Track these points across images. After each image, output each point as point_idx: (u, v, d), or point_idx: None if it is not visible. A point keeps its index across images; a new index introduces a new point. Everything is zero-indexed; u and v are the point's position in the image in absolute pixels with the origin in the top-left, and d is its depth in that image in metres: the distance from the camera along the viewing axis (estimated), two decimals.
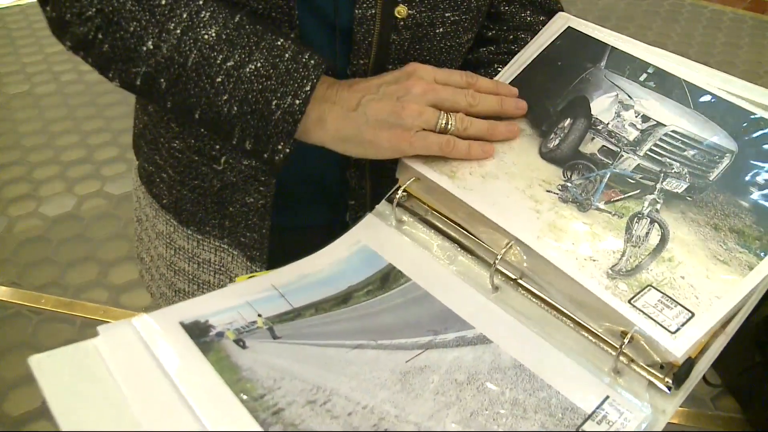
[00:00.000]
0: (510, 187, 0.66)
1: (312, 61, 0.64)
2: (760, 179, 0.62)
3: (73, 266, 2.33)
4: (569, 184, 0.66)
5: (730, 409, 1.84)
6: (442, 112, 0.67)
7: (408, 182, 0.69)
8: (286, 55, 0.64)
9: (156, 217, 0.88)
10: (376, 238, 0.70)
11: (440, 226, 0.68)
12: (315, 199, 0.84)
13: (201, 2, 0.64)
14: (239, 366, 0.55)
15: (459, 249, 0.66)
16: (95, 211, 2.58)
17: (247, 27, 0.64)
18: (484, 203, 0.65)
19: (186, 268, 0.88)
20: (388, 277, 0.65)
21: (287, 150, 0.65)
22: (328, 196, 0.84)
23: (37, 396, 1.79)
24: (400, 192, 0.69)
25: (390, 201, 0.70)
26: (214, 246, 0.84)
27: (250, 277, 0.66)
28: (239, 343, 0.57)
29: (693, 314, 0.54)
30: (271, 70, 0.63)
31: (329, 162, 0.77)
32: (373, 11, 0.68)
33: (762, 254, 0.57)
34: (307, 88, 0.63)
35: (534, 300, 0.61)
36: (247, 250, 0.81)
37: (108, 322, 0.57)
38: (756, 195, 0.61)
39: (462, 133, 0.69)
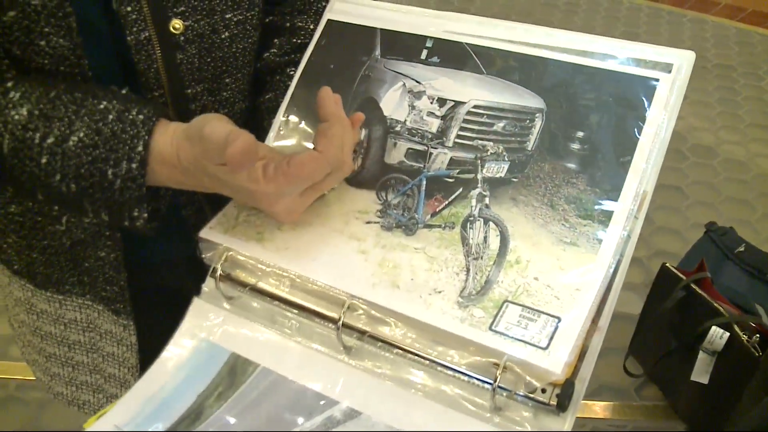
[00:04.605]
0: (326, 232, 0.57)
1: (141, 117, 0.57)
2: (578, 132, 0.55)
3: None
4: (388, 208, 0.57)
5: (654, 397, 1.84)
6: None
7: (223, 256, 0.60)
8: (110, 117, 0.57)
9: (10, 284, 0.81)
10: (210, 326, 0.60)
11: (274, 292, 0.58)
12: (169, 234, 0.74)
13: (9, 84, 0.58)
14: None
15: (301, 313, 0.57)
16: None
17: (64, 97, 0.58)
18: (306, 262, 0.56)
19: (53, 331, 0.81)
20: (235, 370, 0.57)
21: (145, 215, 0.59)
22: (181, 230, 0.76)
23: None
24: (219, 269, 0.59)
25: (214, 278, 0.60)
26: (78, 303, 0.78)
27: (99, 417, 0.57)
28: None
29: (559, 319, 0.48)
30: (96, 138, 0.57)
31: (173, 200, 0.71)
32: (147, 33, 0.62)
33: (606, 220, 0.51)
34: (140, 149, 0.56)
35: (395, 350, 0.53)
36: (110, 303, 0.76)
37: None
38: (579, 150, 0.54)
39: None
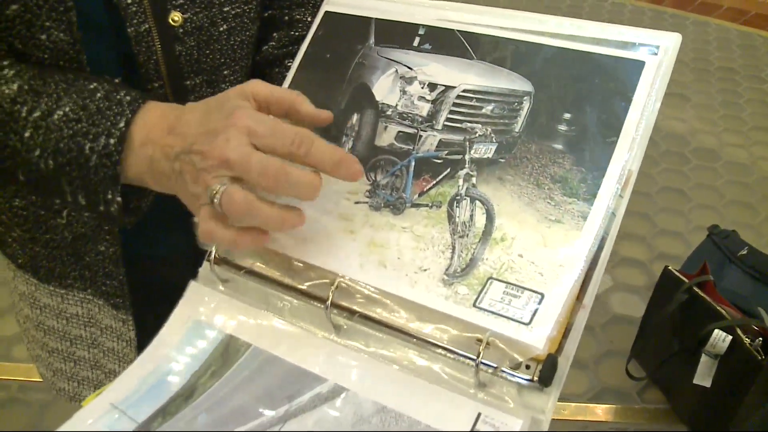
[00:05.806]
0: (316, 214, 0.58)
1: (128, 97, 0.57)
2: (564, 114, 0.55)
3: None
4: (376, 188, 0.58)
5: (657, 400, 1.84)
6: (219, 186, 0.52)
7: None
8: (98, 95, 0.57)
9: (15, 279, 0.83)
10: (205, 308, 0.61)
11: (267, 274, 0.59)
12: (169, 229, 0.77)
13: (5, 62, 0.59)
14: None
15: (293, 294, 0.58)
16: None
17: (56, 76, 0.59)
18: (296, 244, 0.57)
19: (55, 326, 0.83)
20: (228, 349, 0.58)
21: (118, 198, 0.57)
22: (181, 225, 0.76)
23: None
24: (213, 251, 0.61)
25: (209, 261, 0.62)
26: (80, 298, 0.80)
27: (97, 395, 0.58)
28: None
29: (543, 295, 0.48)
30: (81, 113, 0.57)
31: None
32: (147, 25, 0.63)
33: (590, 198, 0.51)
34: (121, 125, 0.56)
35: (382, 328, 0.53)
36: (110, 298, 0.77)
37: None
38: (566, 132, 0.54)
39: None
